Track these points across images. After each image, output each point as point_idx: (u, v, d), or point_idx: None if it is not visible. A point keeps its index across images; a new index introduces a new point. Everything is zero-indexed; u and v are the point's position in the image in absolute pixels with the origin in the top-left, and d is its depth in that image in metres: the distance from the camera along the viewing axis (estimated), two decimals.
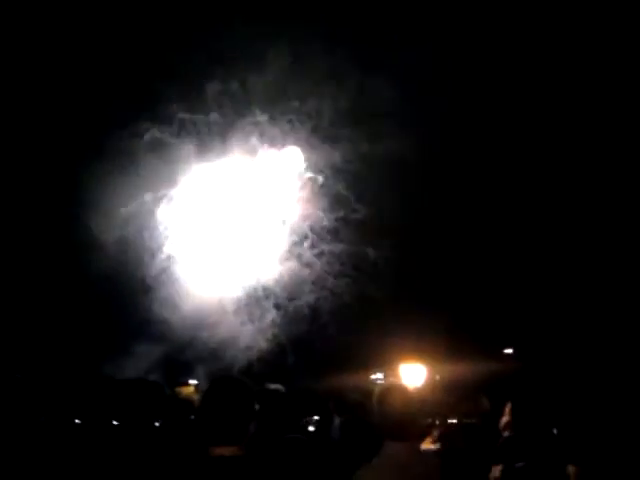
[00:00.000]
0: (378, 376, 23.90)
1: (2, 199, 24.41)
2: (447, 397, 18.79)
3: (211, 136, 27.51)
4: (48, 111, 24.55)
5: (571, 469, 5.37)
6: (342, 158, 27.48)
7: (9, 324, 23.87)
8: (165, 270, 27.76)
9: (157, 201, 27.47)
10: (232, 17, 24.89)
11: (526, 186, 26.14)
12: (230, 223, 28.25)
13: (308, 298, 27.99)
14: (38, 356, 23.56)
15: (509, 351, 28.91)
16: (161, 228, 27.89)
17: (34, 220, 25.07)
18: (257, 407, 3.72)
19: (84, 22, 24.33)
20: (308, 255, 28.11)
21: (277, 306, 27.69)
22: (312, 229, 28.19)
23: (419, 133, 24.72)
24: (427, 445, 8.09)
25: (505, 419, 6.44)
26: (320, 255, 28.38)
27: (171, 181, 27.50)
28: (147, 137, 26.45)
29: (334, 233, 28.16)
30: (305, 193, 28.04)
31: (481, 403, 9.05)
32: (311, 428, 9.12)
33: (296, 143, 28.15)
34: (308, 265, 28.13)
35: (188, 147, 27.15)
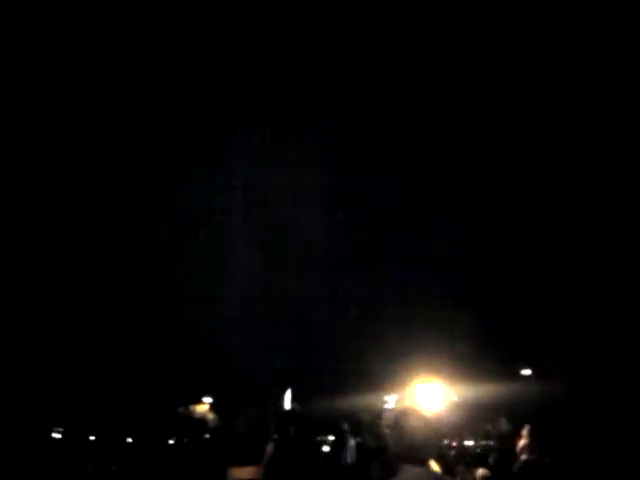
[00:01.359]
0: (393, 397, 23.74)
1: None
2: (464, 418, 18.57)
3: None
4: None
5: None
6: None
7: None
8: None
9: None
10: None
11: (549, 208, 25.96)
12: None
13: (322, 317, 27.96)
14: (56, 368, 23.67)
15: (527, 372, 28.56)
16: None
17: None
18: (273, 427, 3.68)
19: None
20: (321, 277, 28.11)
21: (292, 325, 27.65)
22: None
23: None
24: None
25: (523, 442, 6.34)
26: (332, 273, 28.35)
27: None
28: None
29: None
30: None
31: (500, 425, 8.94)
32: (326, 448, 9.05)
33: None
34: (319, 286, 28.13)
35: None
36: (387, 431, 3.88)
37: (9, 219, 22.55)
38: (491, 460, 8.11)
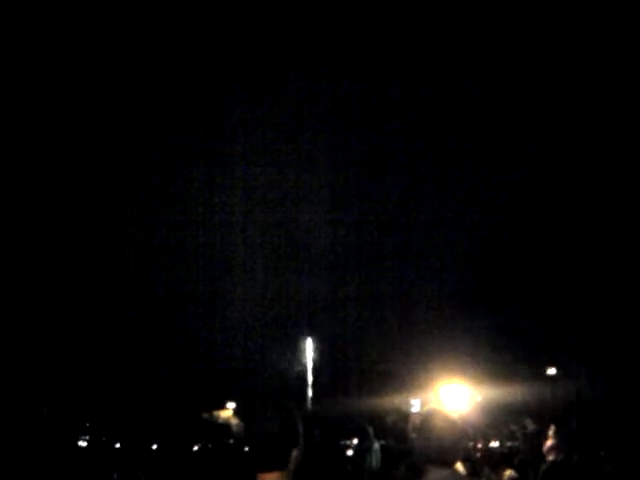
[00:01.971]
0: (417, 399, 23.61)
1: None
2: (490, 419, 18.43)
3: None
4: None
5: None
6: None
7: None
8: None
9: None
10: None
11: (569, 198, 25.64)
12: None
13: (347, 319, 27.90)
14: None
15: (552, 371, 28.27)
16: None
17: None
18: (301, 430, 3.66)
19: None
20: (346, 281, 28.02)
21: (314, 327, 27.60)
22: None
23: None
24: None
25: (549, 442, 6.27)
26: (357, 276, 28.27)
27: None
28: None
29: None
30: None
31: (526, 425, 8.84)
32: (349, 452, 9.01)
33: None
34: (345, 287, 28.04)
35: None
36: (414, 434, 3.85)
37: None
38: (517, 461, 8.02)
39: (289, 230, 27.91)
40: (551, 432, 6.34)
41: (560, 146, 24.79)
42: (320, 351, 27.10)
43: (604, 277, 25.45)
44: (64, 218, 25.59)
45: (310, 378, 25.66)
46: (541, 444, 6.54)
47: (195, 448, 20.33)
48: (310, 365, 26.09)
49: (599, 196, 24.95)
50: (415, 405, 21.13)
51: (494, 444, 20.66)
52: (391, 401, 21.79)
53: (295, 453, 3.26)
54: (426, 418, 3.71)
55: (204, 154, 27.84)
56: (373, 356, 26.94)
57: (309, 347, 26.54)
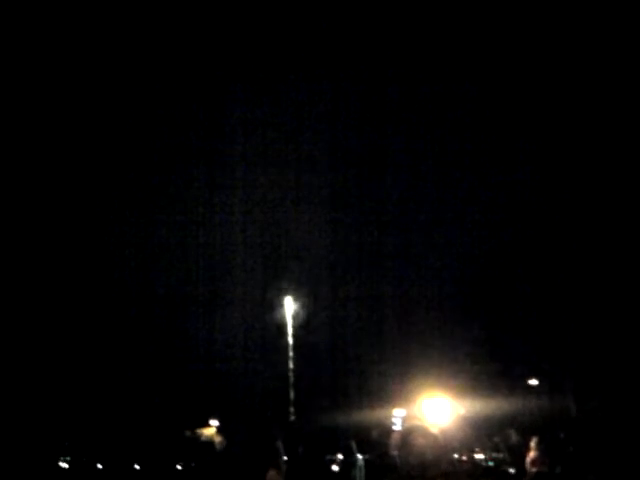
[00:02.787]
0: (400, 411, 23.56)
1: None
2: (473, 432, 18.44)
3: None
4: None
5: None
6: None
7: None
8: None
9: None
10: None
11: (558, 208, 25.74)
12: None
13: (327, 333, 27.79)
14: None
15: (534, 382, 28.39)
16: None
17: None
18: (281, 447, 3.66)
19: None
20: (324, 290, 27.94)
21: (295, 342, 27.45)
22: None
23: None
24: None
25: (532, 454, 6.27)
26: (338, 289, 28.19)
27: None
28: None
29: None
30: None
31: (509, 437, 8.87)
32: (335, 467, 8.99)
33: None
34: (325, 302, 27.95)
35: None
36: (395, 452, 3.86)
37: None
38: (502, 473, 8.04)
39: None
40: (533, 443, 6.35)
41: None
42: (302, 362, 26.91)
43: (583, 288, 25.60)
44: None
45: (292, 392, 25.48)
46: (524, 456, 6.55)
47: (178, 467, 20.12)
48: (292, 377, 25.88)
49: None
50: (399, 417, 21.08)
51: (479, 456, 20.69)
52: (375, 414, 21.74)
53: (272, 472, 3.25)
54: (407, 435, 3.72)
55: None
56: (357, 368, 26.89)
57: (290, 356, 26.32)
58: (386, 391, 25.57)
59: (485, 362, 25.87)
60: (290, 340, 23.84)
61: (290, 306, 23.71)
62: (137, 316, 27.21)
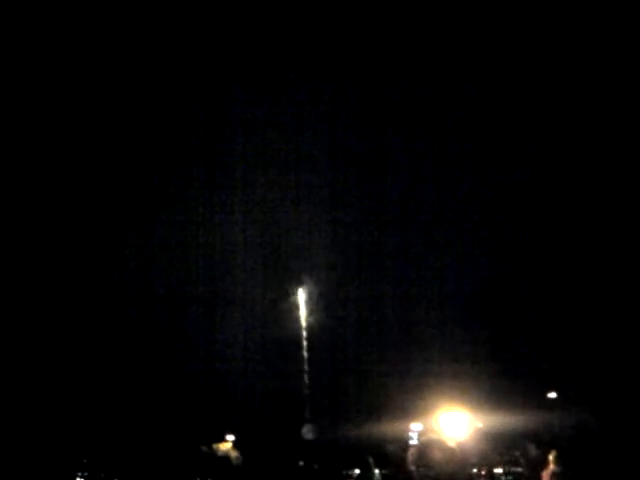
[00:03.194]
0: (417, 425, 23.39)
1: None
2: (491, 446, 18.27)
3: None
4: None
5: None
6: None
7: None
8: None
9: None
10: None
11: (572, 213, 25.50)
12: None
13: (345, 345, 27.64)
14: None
15: (553, 395, 28.10)
16: None
17: None
18: (301, 463, 3.66)
19: None
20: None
21: (312, 355, 27.34)
22: None
23: None
24: None
25: (551, 468, 6.22)
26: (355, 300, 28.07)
27: None
28: None
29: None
30: None
31: (528, 451, 8.78)
32: None
33: None
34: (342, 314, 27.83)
35: None
36: (413, 467, 3.85)
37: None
38: None
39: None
40: (552, 457, 6.29)
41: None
42: (320, 380, 26.79)
43: (601, 300, 25.34)
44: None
45: (307, 409, 25.38)
46: (543, 470, 6.49)
47: None
48: (307, 391, 25.78)
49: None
50: (416, 431, 20.89)
51: (498, 470, 20.46)
52: (391, 428, 21.60)
53: None
54: (424, 449, 3.71)
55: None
56: (372, 383, 26.73)
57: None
58: (403, 405, 25.40)
59: (502, 375, 25.66)
60: (305, 354, 23.77)
61: (303, 314, 23.64)
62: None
